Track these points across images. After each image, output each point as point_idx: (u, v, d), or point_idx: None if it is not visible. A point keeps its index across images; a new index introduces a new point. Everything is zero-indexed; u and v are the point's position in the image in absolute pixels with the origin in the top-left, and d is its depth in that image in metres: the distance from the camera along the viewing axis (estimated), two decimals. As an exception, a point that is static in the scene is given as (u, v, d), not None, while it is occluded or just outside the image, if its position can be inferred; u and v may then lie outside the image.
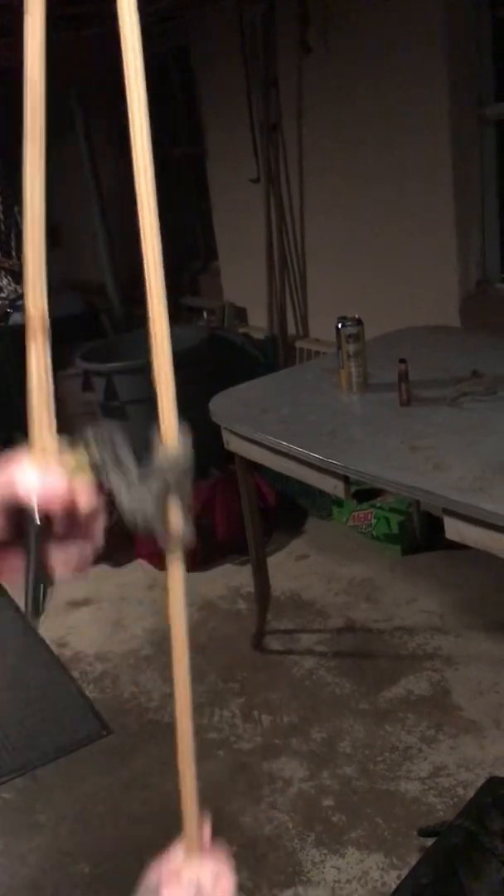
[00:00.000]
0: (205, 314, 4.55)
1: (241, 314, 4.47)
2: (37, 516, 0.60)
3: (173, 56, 4.49)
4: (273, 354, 4.12)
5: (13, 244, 4.04)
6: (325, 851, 2.11)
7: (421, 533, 3.38)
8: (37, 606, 0.61)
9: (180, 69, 4.52)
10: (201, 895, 0.69)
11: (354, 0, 3.18)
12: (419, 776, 2.28)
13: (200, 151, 4.36)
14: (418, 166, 3.13)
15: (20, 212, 2.61)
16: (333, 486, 2.20)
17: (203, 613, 3.18)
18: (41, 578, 0.61)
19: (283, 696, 2.67)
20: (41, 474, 0.60)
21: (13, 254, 4.05)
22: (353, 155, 3.44)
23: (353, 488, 2.34)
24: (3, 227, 4.00)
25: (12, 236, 4.03)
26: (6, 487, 0.59)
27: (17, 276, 4.07)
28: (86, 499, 0.61)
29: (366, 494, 3.48)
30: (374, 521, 3.45)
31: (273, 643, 2.93)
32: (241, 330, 4.37)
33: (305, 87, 3.58)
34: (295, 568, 3.44)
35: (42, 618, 0.61)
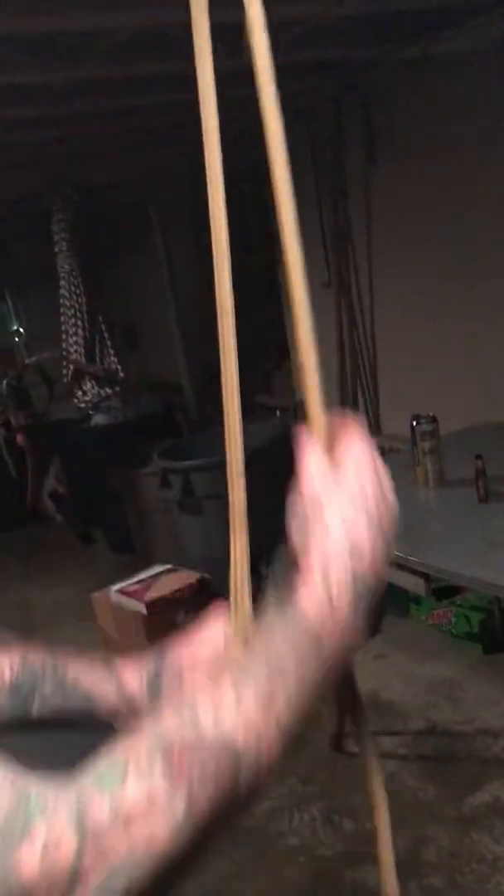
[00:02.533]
0: (278, 412, 4.65)
1: (313, 412, 4.55)
2: None
3: (248, 170, 4.74)
4: (346, 451, 4.16)
5: (96, 350, 4.24)
6: None
7: (503, 631, 3.30)
8: None
9: (253, 183, 4.76)
10: (361, 500, 0.64)
11: (420, 115, 3.34)
12: (510, 890, 2.18)
13: (273, 258, 4.55)
14: (488, 263, 3.21)
15: (104, 320, 2.76)
16: (414, 584, 2.19)
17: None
18: None
19: (364, 801, 2.58)
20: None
21: (96, 359, 4.23)
22: (423, 256, 3.54)
23: (433, 585, 2.33)
24: (87, 335, 4.20)
25: (96, 342, 4.23)
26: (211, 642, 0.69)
27: (101, 380, 4.25)
28: None
29: (445, 592, 3.42)
30: (453, 620, 3.39)
31: (352, 746, 2.87)
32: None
33: (373, 195, 3.73)
34: (373, 667, 3.38)
35: None
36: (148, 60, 2.52)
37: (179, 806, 0.49)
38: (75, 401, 4.36)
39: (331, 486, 0.65)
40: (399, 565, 2.19)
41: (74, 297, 4.21)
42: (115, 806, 0.47)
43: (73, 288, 4.21)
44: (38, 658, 0.77)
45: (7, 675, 0.75)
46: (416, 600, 3.56)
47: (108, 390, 4.34)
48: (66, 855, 0.45)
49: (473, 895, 2.19)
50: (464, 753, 2.75)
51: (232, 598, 0.70)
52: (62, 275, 4.21)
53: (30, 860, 0.44)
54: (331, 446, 0.68)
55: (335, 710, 2.89)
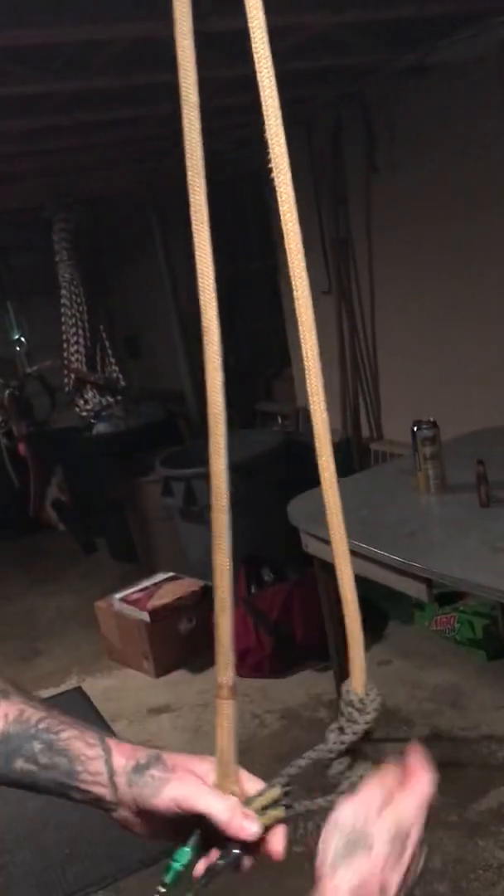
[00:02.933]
0: (279, 419, 4.66)
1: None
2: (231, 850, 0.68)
3: (247, 178, 4.76)
4: (347, 457, 4.16)
5: (98, 359, 4.25)
6: None
7: (506, 637, 3.30)
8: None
9: (253, 189, 4.79)
10: (404, 849, 0.64)
11: (419, 122, 3.35)
12: (516, 897, 2.17)
13: (274, 265, 4.56)
14: (488, 270, 3.22)
15: (105, 328, 2.77)
16: (416, 590, 2.19)
17: (284, 722, 3.13)
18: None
19: (368, 808, 2.59)
20: (230, 810, 0.68)
21: (98, 368, 4.25)
22: (423, 265, 3.55)
23: (436, 591, 2.33)
24: (89, 344, 4.21)
25: (97, 351, 4.24)
26: (184, 802, 0.68)
27: (102, 389, 4.26)
28: (277, 842, 0.70)
29: (448, 598, 3.42)
30: (457, 626, 3.38)
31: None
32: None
33: (373, 202, 3.75)
34: (377, 674, 3.37)
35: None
36: (147, 71, 2.53)
37: None
38: (77, 409, 4.37)
39: (388, 823, 0.65)
40: (401, 570, 2.19)
41: (75, 305, 4.22)
42: None
43: (73, 297, 4.22)
44: (35, 714, 0.75)
45: (0, 725, 0.74)
46: (420, 606, 3.55)
47: (110, 399, 4.35)
48: None
49: (479, 902, 2.18)
50: (468, 760, 2.74)
51: (221, 764, 0.72)
52: (63, 284, 4.23)
53: None
54: (392, 789, 0.69)
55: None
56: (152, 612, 3.59)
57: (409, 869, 0.64)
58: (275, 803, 0.70)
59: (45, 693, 3.60)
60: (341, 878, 0.62)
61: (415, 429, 2.51)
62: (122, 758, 0.72)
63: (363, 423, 4.17)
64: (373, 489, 2.75)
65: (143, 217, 5.22)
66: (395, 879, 0.63)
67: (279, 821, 0.70)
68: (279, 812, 0.70)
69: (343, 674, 2.84)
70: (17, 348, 4.58)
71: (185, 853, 0.68)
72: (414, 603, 3.56)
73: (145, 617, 3.59)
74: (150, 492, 4.48)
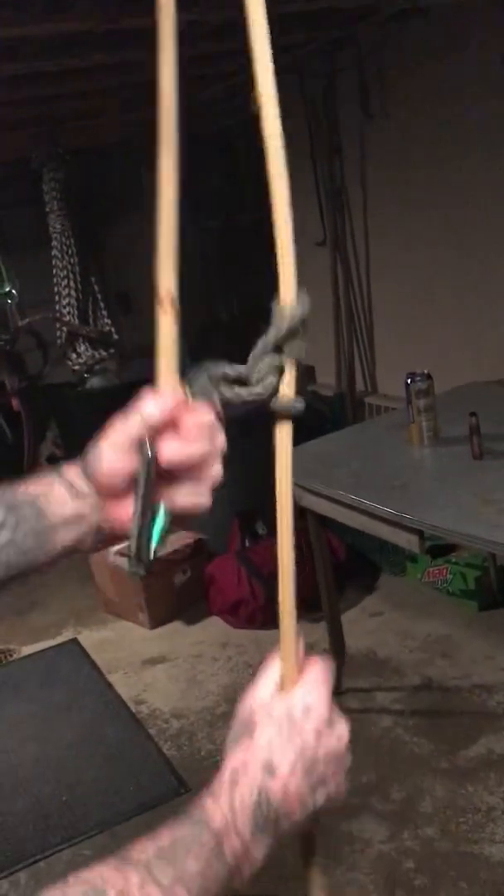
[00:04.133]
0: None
1: (308, 372, 4.54)
2: (149, 447, 0.65)
3: (239, 126, 4.67)
4: (341, 411, 4.16)
5: (90, 312, 4.20)
6: (409, 916, 2.06)
7: (498, 588, 3.33)
8: (141, 551, 0.66)
9: (246, 139, 4.70)
10: (294, 728, 0.66)
11: (412, 67, 3.29)
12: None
13: (267, 217, 4.49)
14: (482, 223, 3.18)
15: (97, 282, 2.73)
16: (407, 541, 2.20)
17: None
18: (150, 518, 0.66)
19: (360, 755, 2.64)
20: (158, 397, 0.67)
21: (90, 321, 4.20)
22: (418, 215, 3.51)
23: (428, 543, 2.34)
24: (80, 297, 4.16)
25: (89, 304, 4.20)
26: (134, 411, 0.67)
27: (94, 342, 4.23)
28: (202, 414, 0.68)
29: (440, 550, 3.45)
30: (449, 577, 3.42)
31: (349, 701, 2.91)
32: (309, 388, 4.44)
33: (368, 151, 3.68)
34: (369, 625, 3.41)
35: (147, 565, 0.66)
36: (135, 14, 2.46)
37: None
38: (69, 363, 4.34)
39: (273, 708, 0.68)
40: (393, 522, 2.20)
41: (67, 257, 4.17)
42: None
43: (65, 248, 4.16)
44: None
45: None
46: (412, 559, 3.58)
47: (103, 352, 4.31)
48: None
49: (467, 844, 2.24)
50: (459, 708, 2.79)
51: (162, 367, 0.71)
52: (54, 235, 4.16)
53: None
54: (292, 677, 0.70)
55: (332, 668, 2.92)
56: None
57: (317, 767, 0.66)
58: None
59: (42, 645, 3.64)
60: (228, 760, 0.66)
61: (409, 381, 2.50)
62: (73, 469, 0.72)
63: (357, 377, 4.16)
64: (366, 442, 2.75)
65: (135, 171, 5.13)
66: (288, 759, 0.64)
67: (195, 397, 0.69)
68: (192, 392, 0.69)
69: (335, 624, 2.87)
70: (9, 301, 4.52)
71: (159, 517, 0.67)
72: (406, 555, 3.59)
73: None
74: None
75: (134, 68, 3.16)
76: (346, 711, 2.44)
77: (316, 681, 0.69)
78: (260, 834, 0.63)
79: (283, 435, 0.71)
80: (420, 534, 2.16)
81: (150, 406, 0.68)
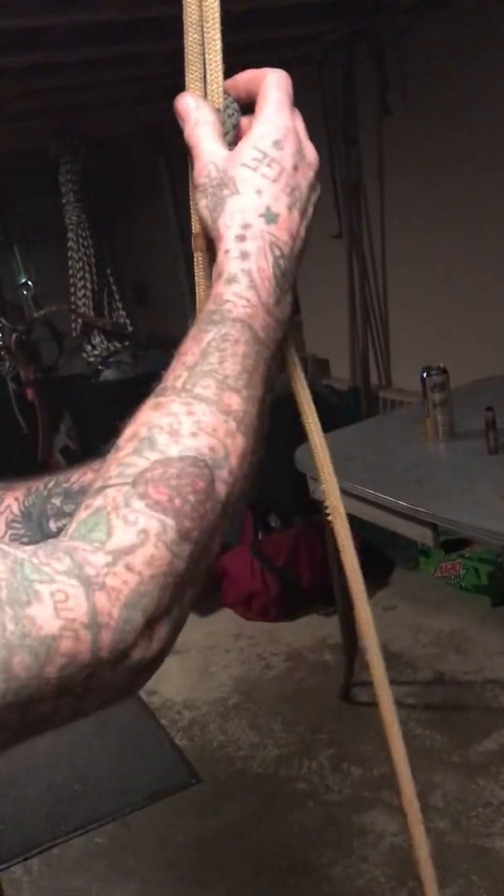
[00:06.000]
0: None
1: (323, 366, 4.53)
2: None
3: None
4: (356, 405, 4.15)
5: (105, 304, 4.21)
6: (419, 909, 2.06)
7: (511, 583, 3.32)
8: None
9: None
10: (275, 165, 0.60)
11: (432, 59, 3.26)
12: (515, 834, 2.22)
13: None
14: (502, 215, 3.16)
15: (112, 273, 2.72)
16: (422, 535, 2.20)
17: (290, 664, 3.18)
18: None
19: (372, 748, 2.64)
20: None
21: (105, 313, 4.21)
22: (435, 208, 3.49)
23: (442, 538, 2.34)
24: (96, 288, 4.17)
25: (104, 296, 4.20)
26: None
27: (110, 334, 4.23)
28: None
29: (454, 545, 3.44)
30: (462, 572, 3.41)
31: (361, 695, 2.91)
32: (324, 381, 4.43)
33: (386, 145, 3.67)
34: (382, 619, 3.41)
35: None
36: (155, 4, 2.46)
37: (170, 531, 0.50)
38: (84, 355, 4.35)
39: (242, 155, 0.60)
40: (407, 516, 2.20)
41: (82, 248, 4.17)
42: (109, 553, 0.48)
43: (80, 239, 4.16)
44: (40, 482, 0.77)
45: (15, 507, 0.76)
46: (426, 553, 3.58)
47: (118, 344, 4.32)
48: (78, 604, 0.46)
49: (479, 837, 2.24)
50: (471, 703, 2.79)
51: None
52: (70, 226, 4.17)
53: (44, 616, 0.45)
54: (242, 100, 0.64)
55: (344, 661, 2.93)
56: (160, 557, 3.63)
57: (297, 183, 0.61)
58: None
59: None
60: (221, 231, 0.59)
61: (424, 375, 2.50)
62: None
63: (372, 371, 4.15)
64: (380, 436, 2.75)
65: (151, 162, 5.13)
66: (283, 201, 0.60)
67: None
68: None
69: (348, 618, 2.87)
70: (24, 292, 4.53)
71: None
72: (419, 550, 3.58)
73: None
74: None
75: (151, 59, 3.15)
76: (358, 704, 2.45)
77: (273, 102, 0.61)
78: (283, 294, 0.59)
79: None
80: (434, 527, 2.16)
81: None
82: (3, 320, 4.39)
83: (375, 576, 3.69)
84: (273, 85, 0.61)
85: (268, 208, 0.59)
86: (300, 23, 3.15)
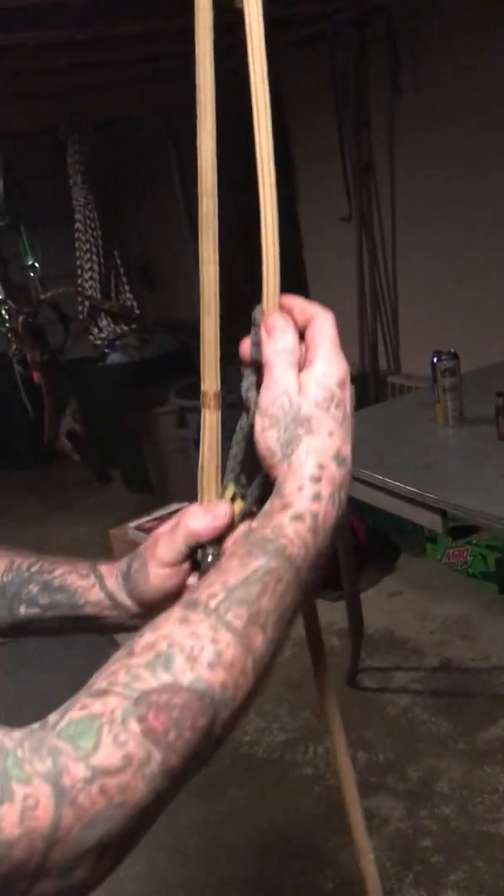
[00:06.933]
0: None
1: (332, 350, 4.50)
2: (209, 549, 0.68)
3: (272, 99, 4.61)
4: (364, 390, 4.13)
5: (112, 287, 4.18)
6: (424, 893, 2.06)
7: (518, 570, 3.31)
8: None
9: (273, 113, 4.64)
10: (341, 407, 0.62)
11: (445, 40, 3.22)
12: (521, 821, 2.22)
13: (291, 191, 4.44)
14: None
15: (120, 255, 2.68)
16: (430, 521, 2.18)
17: (296, 650, 3.16)
18: None
19: (378, 734, 2.64)
20: (208, 515, 0.68)
21: (112, 296, 4.18)
22: (447, 191, 3.45)
23: (450, 524, 2.32)
24: (103, 270, 4.14)
25: (111, 278, 4.17)
26: (182, 529, 0.68)
27: (116, 317, 4.21)
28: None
29: (461, 531, 3.42)
30: (470, 559, 3.40)
31: (367, 680, 2.91)
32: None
33: (397, 127, 3.62)
34: (388, 605, 3.40)
35: None
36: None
37: (154, 764, 0.49)
38: (91, 338, 4.32)
39: (311, 393, 0.61)
40: (416, 501, 2.18)
41: (90, 230, 4.14)
42: (90, 767, 0.48)
43: (88, 221, 4.13)
44: (25, 561, 0.77)
45: None
46: (433, 539, 3.56)
47: (125, 327, 4.29)
48: (45, 814, 0.46)
49: (484, 823, 2.23)
50: (477, 689, 2.78)
51: (204, 474, 0.70)
52: (77, 207, 4.13)
53: (10, 819, 0.45)
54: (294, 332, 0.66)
55: (351, 647, 2.92)
56: (166, 541, 3.61)
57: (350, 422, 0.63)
58: (234, 497, 0.69)
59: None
60: (299, 461, 0.60)
61: (434, 359, 2.47)
62: (113, 577, 0.74)
63: (381, 356, 4.12)
64: (389, 421, 2.73)
65: (159, 144, 5.09)
66: (349, 444, 0.61)
67: (245, 514, 0.68)
68: (241, 504, 0.69)
69: (354, 603, 2.87)
70: (31, 274, 4.50)
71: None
72: (426, 536, 3.57)
73: (159, 545, 3.61)
74: (165, 423, 4.47)
75: (162, 36, 3.12)
76: (364, 690, 2.45)
77: (332, 342, 0.64)
78: (333, 532, 0.60)
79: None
80: (443, 513, 2.14)
81: (197, 521, 0.68)
82: (9, 302, 4.36)
83: (382, 562, 3.68)
84: (329, 324, 0.64)
85: (338, 451, 0.61)
86: (312, 2, 3.11)
